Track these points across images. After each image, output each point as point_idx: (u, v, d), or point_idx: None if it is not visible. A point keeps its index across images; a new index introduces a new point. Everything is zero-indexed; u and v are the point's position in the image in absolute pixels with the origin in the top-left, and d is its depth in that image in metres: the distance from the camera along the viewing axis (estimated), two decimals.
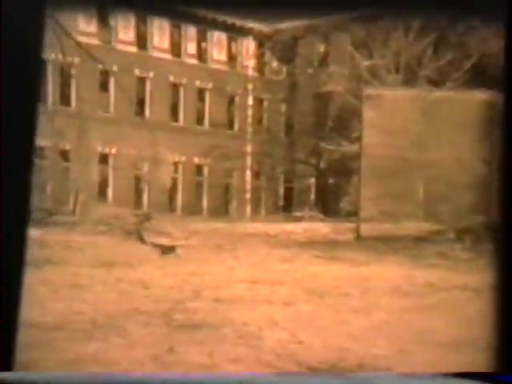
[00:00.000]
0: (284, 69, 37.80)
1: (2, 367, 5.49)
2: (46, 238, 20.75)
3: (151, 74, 34.40)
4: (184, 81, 35.62)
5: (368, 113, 22.06)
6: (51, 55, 28.17)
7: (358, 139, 25.78)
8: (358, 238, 21.23)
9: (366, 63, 32.11)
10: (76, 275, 13.32)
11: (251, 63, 38.05)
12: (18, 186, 5.72)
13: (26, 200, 5.80)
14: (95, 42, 31.13)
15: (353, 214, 24.49)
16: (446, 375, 5.83)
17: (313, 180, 36.61)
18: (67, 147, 31.56)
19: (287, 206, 37.00)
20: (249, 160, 37.83)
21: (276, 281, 12.92)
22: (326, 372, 6.59)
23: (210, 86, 36.30)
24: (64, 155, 31.85)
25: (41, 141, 31.08)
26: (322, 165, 36.10)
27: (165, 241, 21.13)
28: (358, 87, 29.38)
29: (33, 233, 21.99)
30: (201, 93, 36.38)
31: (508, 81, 7.14)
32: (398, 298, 6.78)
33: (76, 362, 6.59)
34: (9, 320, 5.64)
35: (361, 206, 22.12)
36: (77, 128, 31.38)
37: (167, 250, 19.38)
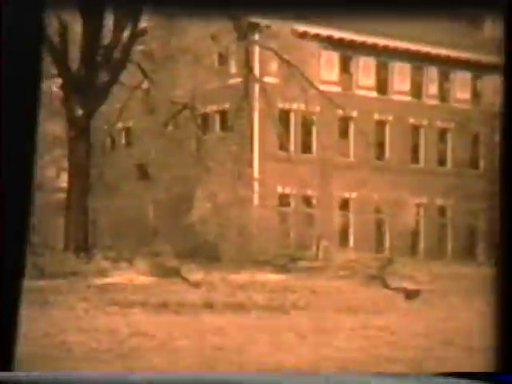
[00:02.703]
0: None
1: (1, 367, 5.56)
2: (291, 284, 21.18)
3: (391, 117, 34.23)
4: (425, 122, 35.00)
5: None
6: (293, 105, 29.11)
7: None
8: None
9: None
10: (321, 320, 13.31)
11: (498, 99, 36.52)
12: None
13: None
14: (336, 89, 31.65)
15: None
16: (446, 375, 5.23)
17: None
18: (310, 193, 32.18)
19: None
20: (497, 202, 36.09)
21: None
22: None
23: (452, 125, 35.31)
24: (307, 201, 32.50)
25: (285, 188, 32.14)
26: None
27: (409, 285, 20.62)
28: None
29: (276, 278, 22.42)
30: (442, 133, 35.51)
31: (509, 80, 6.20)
32: None
33: None
34: (8, 320, 5.79)
35: None
36: (319, 174, 31.95)
37: (412, 295, 18.87)
